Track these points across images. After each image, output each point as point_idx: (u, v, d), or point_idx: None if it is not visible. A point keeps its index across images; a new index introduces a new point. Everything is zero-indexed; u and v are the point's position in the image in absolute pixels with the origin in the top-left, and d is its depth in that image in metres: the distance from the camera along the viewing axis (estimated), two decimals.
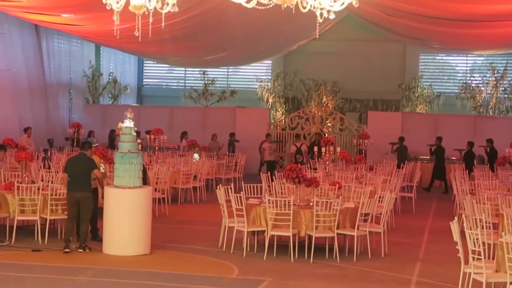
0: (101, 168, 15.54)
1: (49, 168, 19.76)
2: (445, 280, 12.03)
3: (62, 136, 29.91)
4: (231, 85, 36.35)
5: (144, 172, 14.84)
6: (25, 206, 14.34)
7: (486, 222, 11.95)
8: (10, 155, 21.45)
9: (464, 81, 33.75)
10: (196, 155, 24.01)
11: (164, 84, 39.59)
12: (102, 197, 14.16)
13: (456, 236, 10.55)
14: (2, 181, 16.43)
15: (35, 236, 14.29)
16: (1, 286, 11.07)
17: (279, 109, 34.91)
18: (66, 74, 32.53)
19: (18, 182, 14.79)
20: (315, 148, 20.87)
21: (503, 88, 32.66)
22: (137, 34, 13.39)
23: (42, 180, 16.43)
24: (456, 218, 10.79)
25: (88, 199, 13.76)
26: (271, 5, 11.84)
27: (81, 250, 13.44)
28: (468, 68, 35.27)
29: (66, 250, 13.37)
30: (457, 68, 36.58)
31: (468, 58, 35.59)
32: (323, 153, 20.03)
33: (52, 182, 16.05)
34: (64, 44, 32.36)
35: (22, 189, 14.28)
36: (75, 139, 26.74)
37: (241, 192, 13.85)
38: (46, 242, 14.05)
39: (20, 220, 14.57)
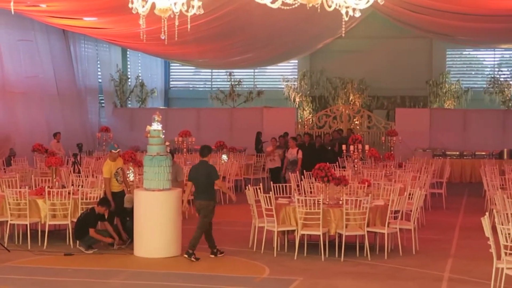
0: (130, 173, 15.62)
1: (79, 172, 19.93)
2: (477, 276, 11.94)
3: (91, 141, 30.11)
4: (257, 86, 36.37)
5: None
6: (56, 210, 14.48)
7: None
8: (40, 161, 21.64)
9: (492, 76, 33.54)
10: (224, 156, 24.06)
11: (190, 86, 39.76)
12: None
13: (488, 232, 10.48)
14: (33, 187, 16.55)
15: (67, 240, 14.40)
16: None
17: (306, 108, 34.88)
18: (94, 79, 32.77)
19: (48, 187, 14.91)
20: (343, 146, 20.68)
21: None
22: (163, 37, 13.45)
23: (73, 185, 16.58)
24: (487, 213, 10.71)
25: (205, 208, 13.56)
26: (296, 5, 11.82)
27: (186, 256, 13.28)
28: (496, 62, 35.05)
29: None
30: (484, 62, 36.36)
31: (496, 52, 35.38)
32: (351, 151, 19.93)
33: (82, 186, 16.19)
34: (91, 49, 32.61)
35: (53, 194, 14.39)
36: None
37: (270, 192, 13.86)
38: (77, 246, 14.15)
39: (52, 225, 14.75)
